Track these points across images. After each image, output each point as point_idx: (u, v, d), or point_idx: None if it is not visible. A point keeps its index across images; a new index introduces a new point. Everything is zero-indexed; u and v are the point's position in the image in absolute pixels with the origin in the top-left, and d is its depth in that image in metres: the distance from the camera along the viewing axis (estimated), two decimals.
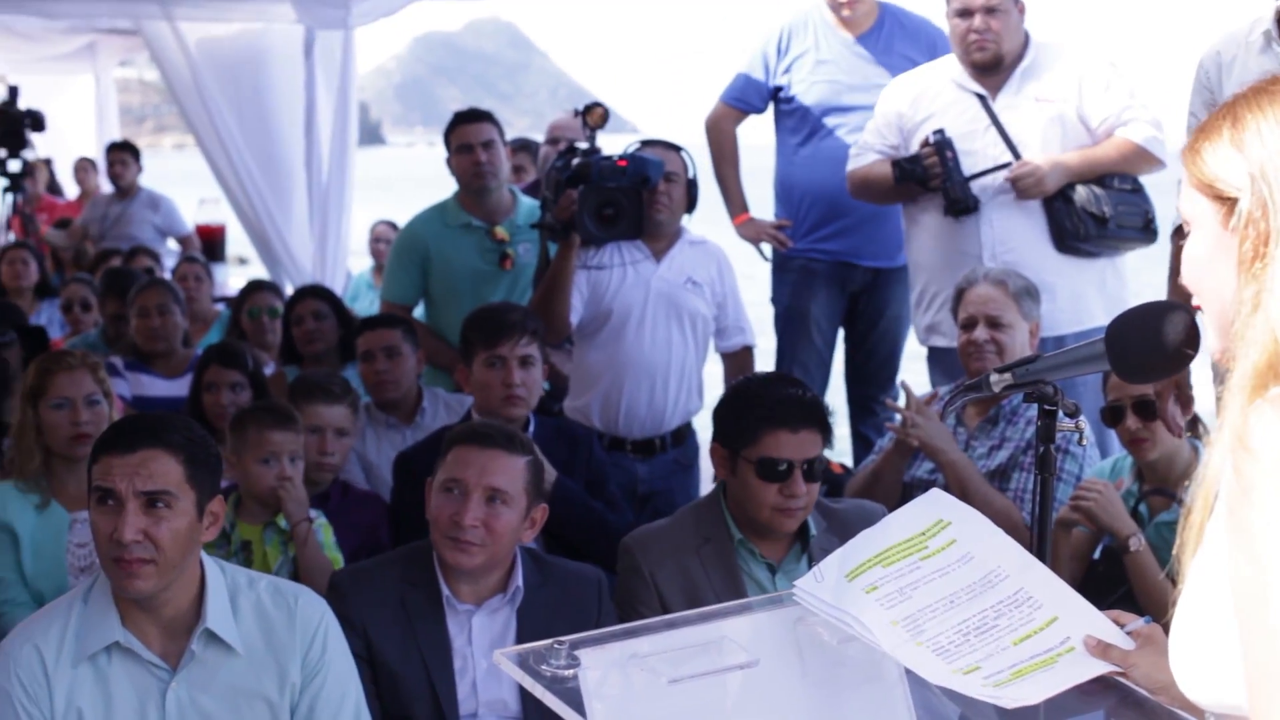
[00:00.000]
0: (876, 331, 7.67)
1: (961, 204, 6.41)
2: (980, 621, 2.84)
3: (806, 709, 2.86)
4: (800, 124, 7.52)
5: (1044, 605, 2.88)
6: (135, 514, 3.61)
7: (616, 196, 6.22)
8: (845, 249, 7.48)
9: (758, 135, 8.17)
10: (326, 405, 5.89)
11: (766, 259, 7.52)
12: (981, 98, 6.51)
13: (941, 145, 6.41)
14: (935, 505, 3.08)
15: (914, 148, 6.55)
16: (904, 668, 2.86)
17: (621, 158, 6.35)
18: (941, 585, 2.90)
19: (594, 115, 6.53)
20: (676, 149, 6.71)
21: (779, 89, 7.54)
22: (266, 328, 8.34)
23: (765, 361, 7.39)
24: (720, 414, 4.86)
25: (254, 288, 8.89)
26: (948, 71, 6.62)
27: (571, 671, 2.61)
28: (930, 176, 6.43)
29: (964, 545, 2.97)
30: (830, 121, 7.44)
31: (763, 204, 7.67)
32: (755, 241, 7.52)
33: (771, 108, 7.66)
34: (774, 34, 7.56)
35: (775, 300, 7.66)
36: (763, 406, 4.69)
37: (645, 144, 6.74)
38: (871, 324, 7.66)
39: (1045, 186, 6.36)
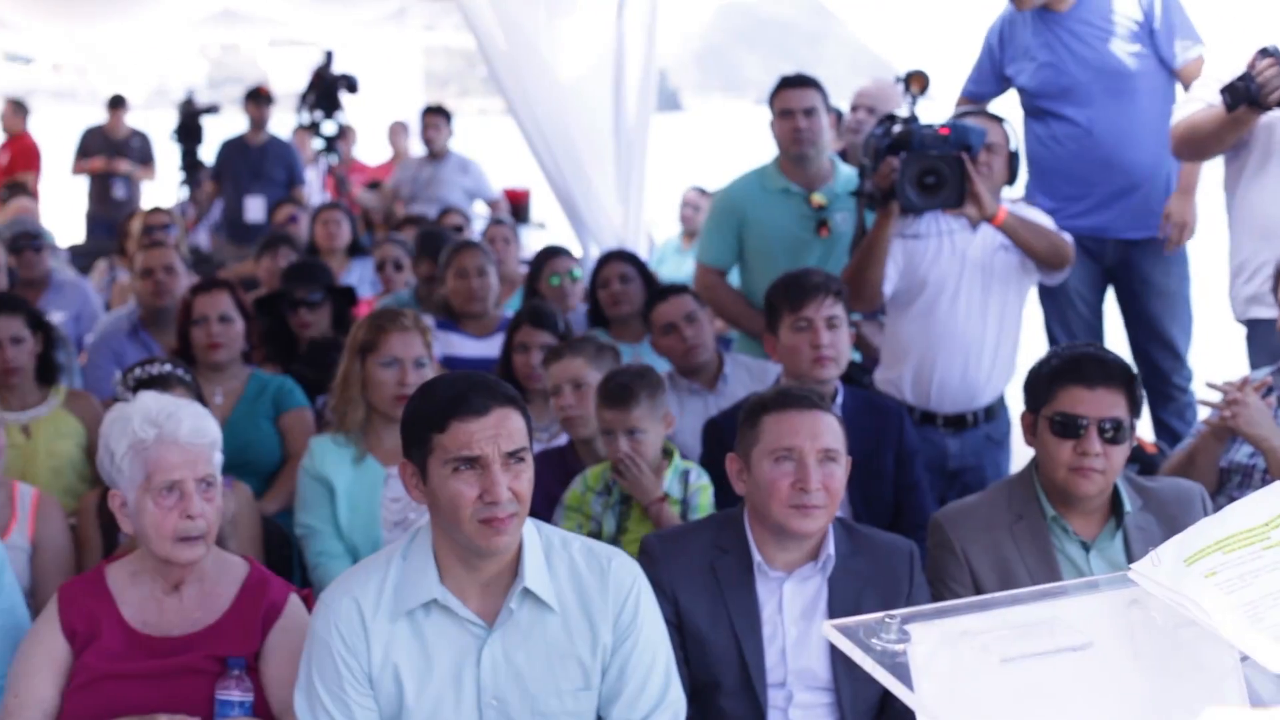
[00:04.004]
0: (1150, 310, 7.43)
1: None
2: None
3: (1139, 693, 2.79)
4: (1032, 107, 7.41)
5: None
6: (502, 473, 3.65)
7: (938, 164, 6.11)
8: (1093, 225, 7.29)
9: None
10: (570, 359, 5.93)
11: None
12: None
13: (1276, 53, 6.04)
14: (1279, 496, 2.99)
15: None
16: (1241, 654, 2.78)
17: (944, 125, 6.25)
18: None
19: (916, 82, 6.45)
20: (999, 119, 6.60)
21: (1009, 77, 7.43)
22: (569, 293, 8.38)
23: (1034, 335, 7.28)
24: (1027, 379, 4.82)
25: (549, 254, 8.85)
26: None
27: (902, 646, 2.57)
28: (1271, 90, 6.03)
29: None
30: (1058, 102, 7.27)
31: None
32: None
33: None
34: (996, 25, 7.52)
35: None
36: (1060, 363, 4.66)
37: (967, 113, 6.64)
38: (1142, 301, 7.43)
39: None
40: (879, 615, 2.59)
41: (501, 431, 3.67)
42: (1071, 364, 4.62)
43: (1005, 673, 2.60)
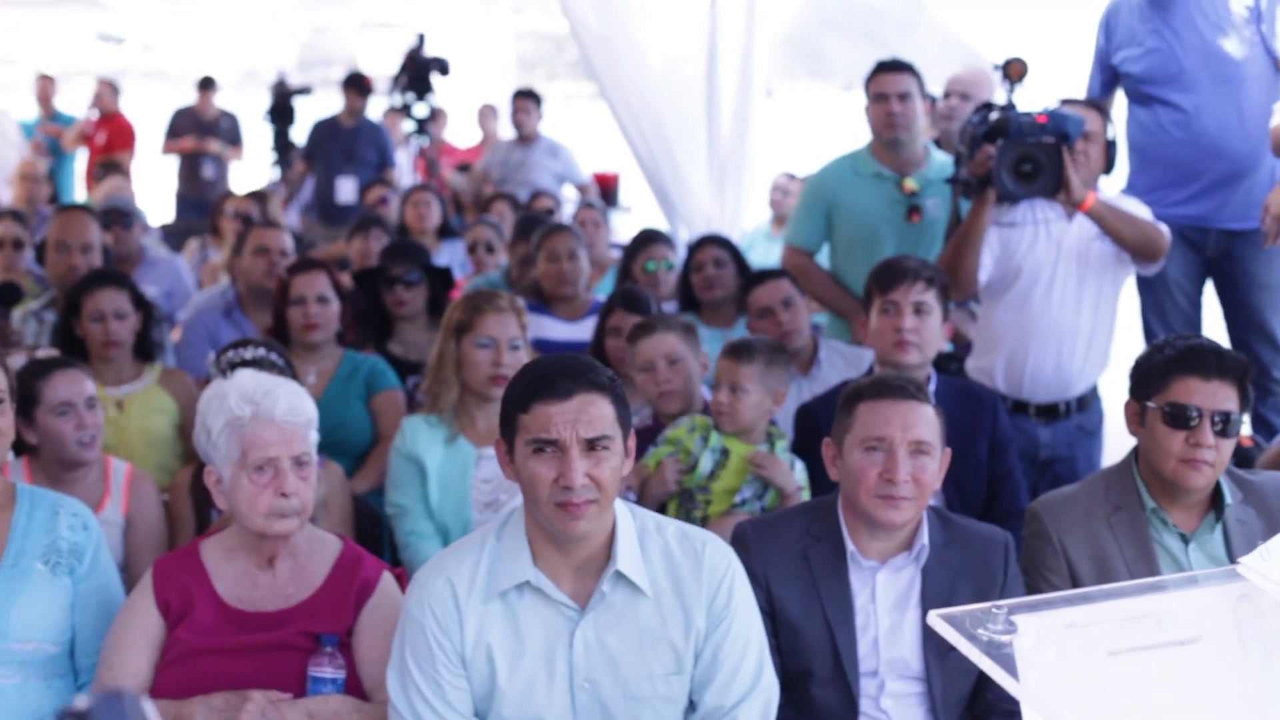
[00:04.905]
0: (1251, 302, 7.32)
1: None
2: None
3: (1246, 688, 2.75)
4: (1137, 92, 7.30)
5: None
6: (579, 458, 3.64)
7: (1035, 152, 6.07)
8: (1196, 214, 7.18)
9: None
10: (663, 334, 5.96)
11: None
12: None
13: None
14: None
15: None
16: None
17: (1041, 113, 6.20)
18: None
19: (1014, 69, 6.41)
20: (1098, 107, 6.53)
21: (1114, 65, 7.33)
22: (662, 280, 8.34)
23: (1132, 327, 7.20)
24: (1134, 368, 4.76)
25: (647, 239, 8.71)
26: None
27: (1008, 637, 2.54)
28: None
29: None
30: (1164, 88, 7.17)
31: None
32: None
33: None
34: (1102, 22, 7.42)
35: None
36: (1175, 353, 4.59)
37: (1065, 102, 6.57)
38: (1243, 293, 7.31)
39: None
40: (985, 605, 2.56)
41: (582, 417, 3.66)
42: (1187, 354, 4.56)
43: (1112, 665, 2.58)
